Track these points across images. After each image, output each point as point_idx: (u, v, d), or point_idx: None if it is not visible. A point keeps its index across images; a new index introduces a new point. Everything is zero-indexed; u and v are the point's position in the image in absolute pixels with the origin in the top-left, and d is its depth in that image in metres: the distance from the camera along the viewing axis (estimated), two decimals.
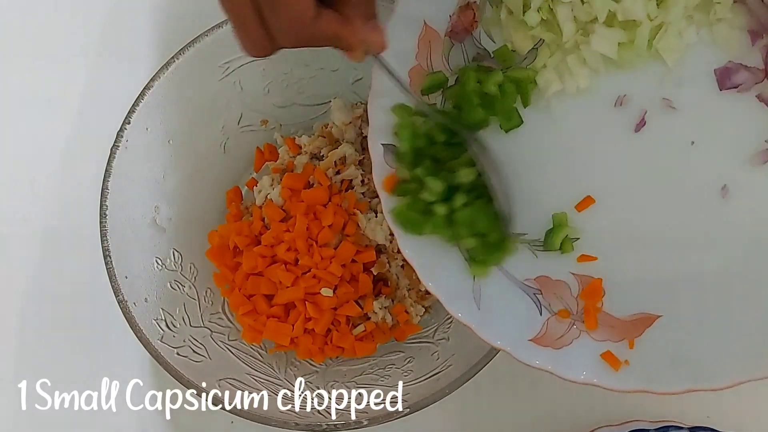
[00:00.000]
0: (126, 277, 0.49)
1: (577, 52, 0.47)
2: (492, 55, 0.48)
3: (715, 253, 0.46)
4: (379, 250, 0.54)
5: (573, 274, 0.46)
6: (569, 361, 0.43)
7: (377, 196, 0.54)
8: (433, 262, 0.45)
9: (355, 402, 0.49)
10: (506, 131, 0.47)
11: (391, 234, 0.53)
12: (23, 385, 0.56)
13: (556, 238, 0.46)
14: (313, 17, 0.37)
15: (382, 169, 0.46)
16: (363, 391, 0.50)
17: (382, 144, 0.46)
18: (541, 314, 0.45)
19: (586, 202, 0.47)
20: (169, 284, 0.53)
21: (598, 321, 0.44)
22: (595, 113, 0.47)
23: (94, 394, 0.56)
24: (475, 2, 0.47)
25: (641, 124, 0.47)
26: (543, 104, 0.48)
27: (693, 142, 0.47)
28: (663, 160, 0.47)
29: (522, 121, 0.47)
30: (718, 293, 0.45)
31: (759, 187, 0.46)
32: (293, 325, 0.52)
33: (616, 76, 0.47)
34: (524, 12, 0.46)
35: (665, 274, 0.46)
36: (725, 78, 0.46)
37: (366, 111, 0.47)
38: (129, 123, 0.51)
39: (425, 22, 0.47)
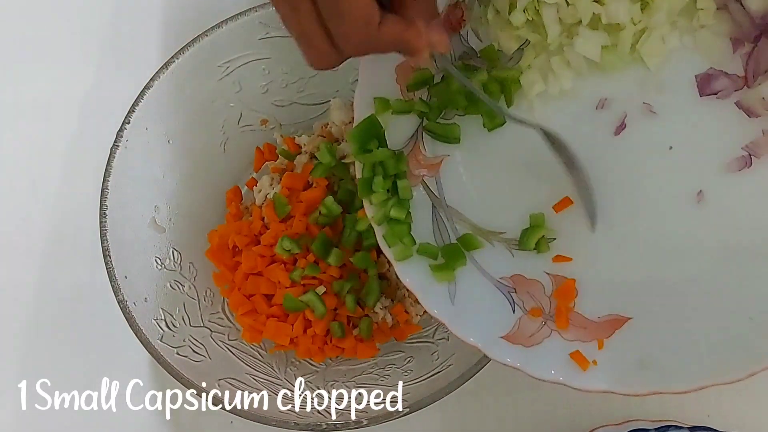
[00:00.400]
0: (126, 277, 0.49)
1: (561, 53, 0.47)
2: (478, 54, 0.48)
3: (688, 257, 0.46)
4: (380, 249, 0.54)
5: (547, 273, 0.46)
6: (539, 359, 0.44)
7: None
8: (409, 258, 0.45)
9: (355, 402, 0.49)
10: (490, 130, 0.48)
11: None
12: (23, 385, 0.56)
13: (532, 237, 0.46)
14: (378, 24, 0.36)
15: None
16: (363, 391, 0.50)
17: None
18: (513, 312, 0.45)
19: (563, 203, 0.47)
20: (168, 284, 0.53)
21: (569, 321, 0.45)
22: (576, 115, 0.48)
23: (94, 394, 0.56)
24: (463, 1, 0.48)
25: (621, 128, 0.47)
26: (526, 105, 0.48)
27: (671, 147, 0.47)
28: (641, 164, 0.47)
29: (505, 121, 0.47)
30: (688, 297, 0.45)
31: (733, 193, 0.46)
32: (293, 325, 0.52)
33: (598, 79, 0.47)
34: (510, 12, 0.46)
35: (638, 276, 0.46)
36: (705, 84, 0.47)
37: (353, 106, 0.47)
38: (129, 123, 0.51)
39: None
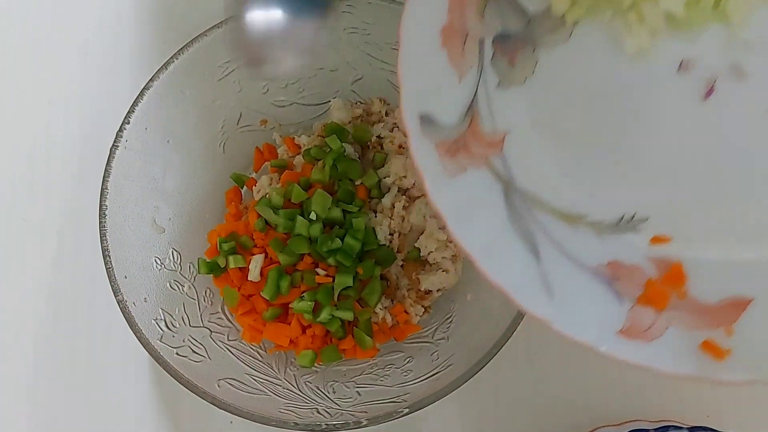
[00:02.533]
0: (125, 277, 0.49)
1: (635, 9, 0.42)
2: (530, 19, 0.43)
3: None
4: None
5: (648, 258, 0.42)
6: (665, 354, 0.39)
7: (377, 196, 0.54)
8: (491, 249, 0.40)
9: (355, 402, 0.49)
10: None
11: (391, 234, 0.53)
12: (23, 385, 0.56)
13: None
14: None
15: (421, 145, 0.39)
16: (363, 391, 0.50)
17: (420, 115, 0.40)
18: (621, 304, 0.40)
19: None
20: (168, 284, 0.53)
21: (685, 308, 0.40)
22: (656, 79, 0.42)
23: (94, 395, 0.56)
24: None
25: (709, 92, 0.42)
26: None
27: None
28: (734, 131, 0.42)
29: None
30: None
31: None
32: (290, 323, 0.52)
33: (677, 39, 0.42)
34: None
35: (752, 253, 0.42)
36: None
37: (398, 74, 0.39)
38: (128, 123, 0.51)
39: None
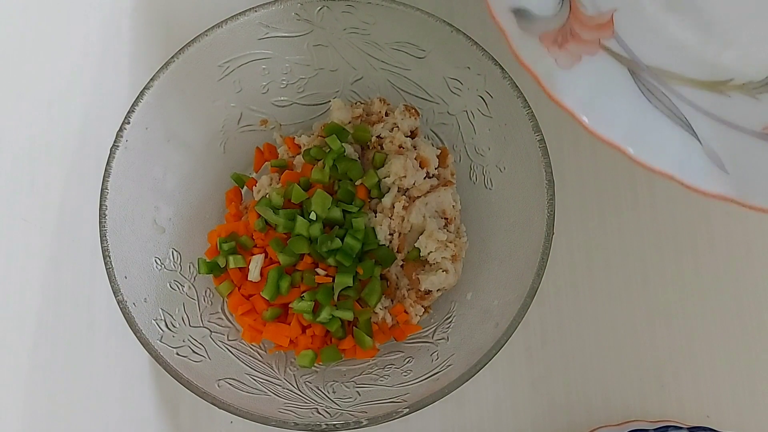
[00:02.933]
0: (125, 277, 0.49)
1: None
2: None
3: None
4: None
5: None
6: None
7: (377, 196, 0.54)
8: (637, 134, 0.37)
9: (355, 402, 0.49)
10: None
11: (391, 234, 0.53)
12: (22, 385, 0.56)
13: None
14: None
15: (523, 42, 0.37)
16: (363, 391, 0.50)
17: (513, 10, 0.37)
18: None
19: None
20: (168, 284, 0.53)
21: None
22: None
23: (94, 394, 0.56)
24: None
25: None
26: None
27: None
28: None
29: None
30: None
31: None
32: (290, 323, 0.52)
33: None
34: None
35: None
36: None
37: None
38: (129, 123, 0.51)
39: None
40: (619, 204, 0.59)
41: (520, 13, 0.37)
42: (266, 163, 0.58)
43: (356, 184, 0.54)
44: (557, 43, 0.38)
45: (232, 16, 0.53)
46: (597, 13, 0.39)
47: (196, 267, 0.54)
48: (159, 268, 0.52)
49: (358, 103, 0.57)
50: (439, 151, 0.56)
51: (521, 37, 0.37)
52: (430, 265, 0.54)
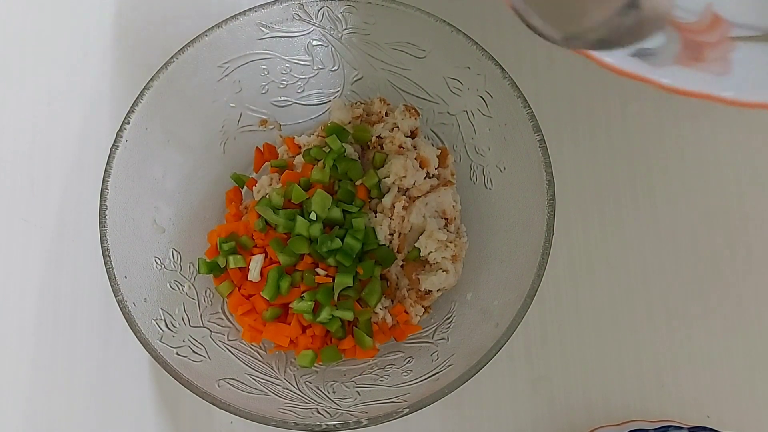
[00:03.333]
0: (125, 277, 0.49)
1: None
2: None
3: None
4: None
5: None
6: None
7: (377, 196, 0.54)
8: None
9: (355, 402, 0.49)
10: None
11: (391, 234, 0.53)
12: (23, 385, 0.56)
13: None
14: None
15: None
16: (363, 391, 0.50)
17: (632, 55, 0.34)
18: None
19: None
20: (168, 284, 0.53)
21: None
22: None
23: (94, 394, 0.56)
24: None
25: None
26: None
27: None
28: None
29: None
30: None
31: None
32: (290, 323, 0.52)
33: None
34: None
35: None
36: None
37: None
38: (128, 123, 0.51)
39: None
40: (619, 204, 0.59)
41: (640, 54, 0.35)
42: (266, 163, 0.58)
43: (356, 184, 0.54)
44: (694, 57, 0.35)
45: (232, 16, 0.53)
46: (698, 17, 0.37)
47: (196, 267, 0.54)
48: (159, 268, 0.52)
49: (358, 103, 0.57)
50: (439, 151, 0.56)
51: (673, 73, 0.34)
52: (430, 265, 0.54)
